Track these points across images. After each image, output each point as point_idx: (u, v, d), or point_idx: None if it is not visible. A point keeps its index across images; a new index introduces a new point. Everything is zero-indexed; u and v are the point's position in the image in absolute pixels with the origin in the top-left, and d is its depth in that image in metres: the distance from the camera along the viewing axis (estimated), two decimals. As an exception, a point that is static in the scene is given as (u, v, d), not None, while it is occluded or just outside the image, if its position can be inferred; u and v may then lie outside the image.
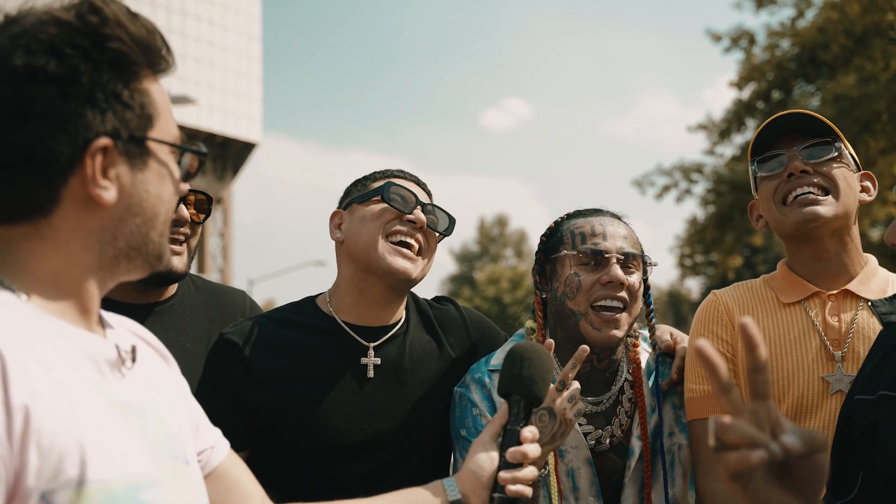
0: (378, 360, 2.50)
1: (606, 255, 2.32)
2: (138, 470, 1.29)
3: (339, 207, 2.63)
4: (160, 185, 1.40)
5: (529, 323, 2.62)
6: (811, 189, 2.38)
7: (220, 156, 40.04)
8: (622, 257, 2.34)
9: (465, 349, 2.69)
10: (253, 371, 2.41)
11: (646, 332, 2.62)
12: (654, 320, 2.49)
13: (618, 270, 2.31)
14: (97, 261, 1.36)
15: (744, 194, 24.02)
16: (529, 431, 1.93)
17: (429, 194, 2.66)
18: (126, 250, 1.37)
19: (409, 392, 2.50)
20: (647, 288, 2.46)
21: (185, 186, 1.48)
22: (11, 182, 1.29)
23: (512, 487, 1.86)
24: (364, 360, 2.49)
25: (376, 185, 2.55)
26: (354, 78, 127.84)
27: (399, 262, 2.43)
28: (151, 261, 1.43)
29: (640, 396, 2.42)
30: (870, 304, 2.16)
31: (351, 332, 2.51)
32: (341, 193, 2.71)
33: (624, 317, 2.35)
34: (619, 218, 2.48)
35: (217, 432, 1.70)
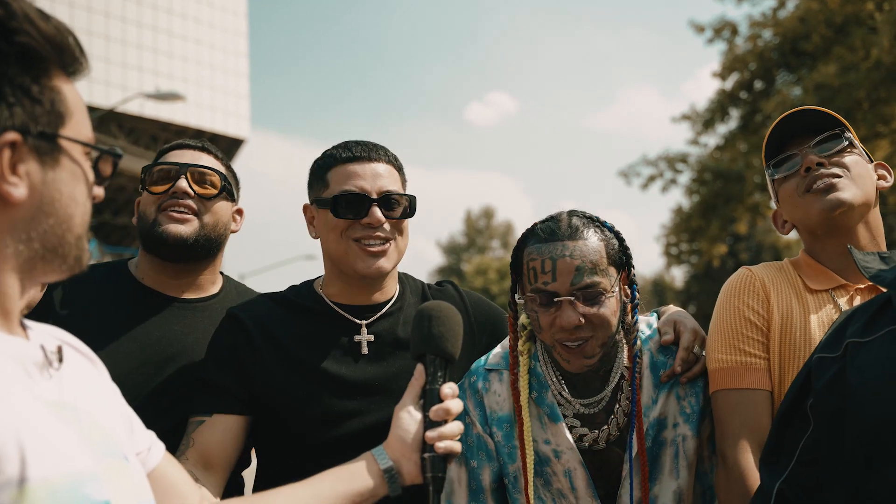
0: (371, 337, 2.52)
1: (556, 300, 2.20)
2: (79, 465, 1.26)
3: (309, 198, 2.62)
4: (73, 186, 1.34)
5: (523, 319, 2.51)
6: (828, 178, 2.35)
7: (209, 152, 39.99)
8: (571, 298, 2.19)
9: (464, 325, 2.63)
10: (255, 343, 2.44)
11: (650, 319, 2.56)
12: (637, 316, 2.38)
13: (568, 316, 2.17)
14: (13, 262, 1.30)
15: (728, 183, 24.21)
16: (448, 388, 1.92)
17: (385, 159, 2.55)
18: (42, 252, 1.32)
19: (403, 364, 2.48)
20: (631, 282, 2.37)
21: (100, 191, 1.41)
22: None
23: (441, 444, 1.85)
24: (357, 338, 2.50)
25: (328, 189, 2.49)
26: (340, 74, 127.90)
27: (369, 264, 2.43)
28: (70, 262, 1.37)
29: (634, 394, 2.35)
30: (850, 250, 2.13)
31: (343, 313, 2.53)
32: None
33: (591, 345, 2.23)
34: (577, 231, 2.26)
35: (151, 435, 1.66)
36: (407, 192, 2.57)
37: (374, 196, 2.44)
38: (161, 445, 1.67)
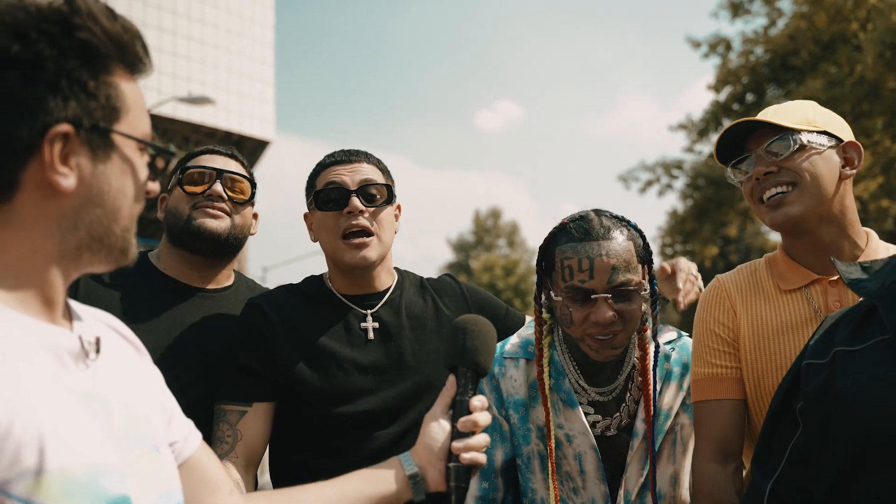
0: (376, 325, 2.55)
1: (593, 297, 2.17)
2: (99, 458, 1.21)
3: (307, 206, 2.69)
4: (122, 179, 1.31)
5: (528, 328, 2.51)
6: (778, 189, 2.22)
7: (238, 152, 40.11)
8: (609, 295, 2.17)
9: (462, 312, 2.65)
10: (276, 328, 2.47)
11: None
12: (657, 308, 2.36)
13: (604, 313, 2.16)
14: (59, 250, 1.27)
15: (720, 189, 24.21)
16: (478, 400, 1.88)
17: (364, 159, 2.60)
18: (88, 241, 1.29)
19: (407, 347, 2.53)
20: (651, 276, 2.31)
21: (155, 186, 1.38)
22: None
23: (466, 455, 1.80)
24: (364, 325, 2.54)
25: (313, 194, 2.58)
26: (359, 82, 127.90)
27: (356, 256, 2.47)
28: (115, 254, 1.34)
29: (645, 384, 2.32)
30: (834, 262, 2.01)
31: (349, 303, 2.57)
32: None
33: (620, 338, 2.22)
34: (610, 232, 2.23)
35: (189, 424, 1.62)
36: (387, 183, 2.60)
37: (353, 188, 2.49)
38: (198, 435, 1.63)
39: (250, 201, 2.78)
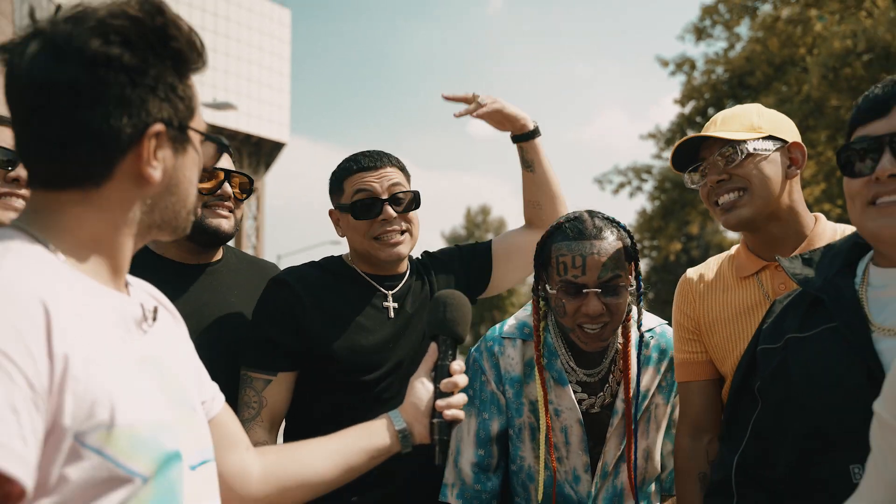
0: (396, 305, 2.50)
1: (585, 291, 2.13)
2: (158, 416, 1.20)
3: (332, 203, 2.58)
4: (192, 170, 1.32)
5: (524, 312, 2.49)
6: (729, 195, 2.18)
7: (255, 153, 39.91)
8: (599, 290, 2.13)
9: (448, 283, 2.64)
10: (304, 303, 2.38)
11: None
12: (642, 302, 2.31)
13: (594, 306, 2.13)
14: (135, 228, 1.28)
15: (684, 191, 23.96)
16: (457, 364, 1.90)
17: (392, 163, 2.50)
18: (159, 222, 1.30)
19: (415, 328, 2.49)
20: (637, 275, 2.29)
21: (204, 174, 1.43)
22: (74, 155, 1.20)
23: (448, 412, 1.83)
24: (385, 304, 2.48)
25: (345, 196, 2.47)
26: (364, 91, 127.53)
27: (390, 253, 2.42)
28: (178, 231, 1.35)
29: (626, 368, 2.30)
30: (778, 260, 1.98)
31: (373, 282, 2.50)
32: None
33: (607, 330, 2.20)
34: (602, 232, 2.20)
35: (214, 386, 1.59)
36: (412, 189, 2.50)
37: (385, 196, 2.40)
38: (222, 396, 1.60)
39: (247, 198, 2.69)
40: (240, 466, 1.57)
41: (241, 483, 1.57)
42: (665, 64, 23.90)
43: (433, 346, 1.92)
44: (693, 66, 23.53)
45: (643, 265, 30.27)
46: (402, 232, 2.43)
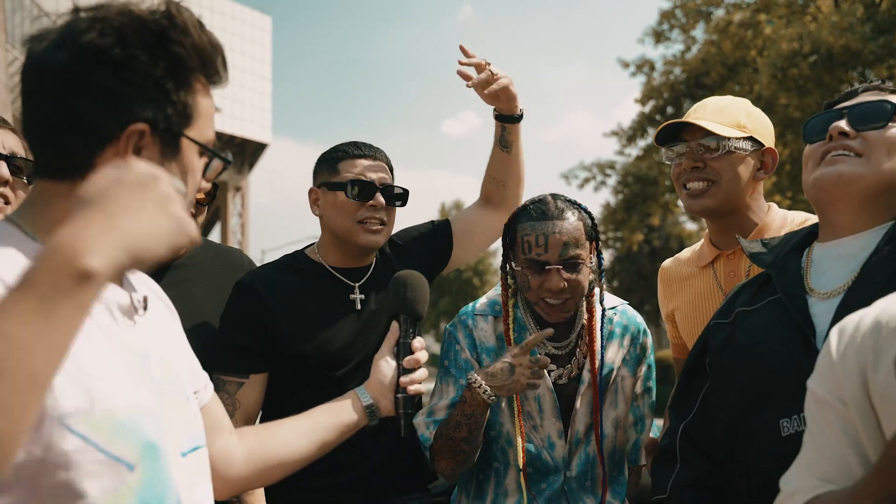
0: (362, 296, 2.42)
1: (547, 268, 2.15)
2: (140, 402, 1.16)
3: (313, 184, 2.49)
4: (181, 177, 1.23)
5: (495, 291, 2.47)
6: (698, 183, 2.18)
7: (240, 153, 39.61)
8: (560, 266, 2.14)
9: (411, 266, 2.40)
10: (272, 308, 2.32)
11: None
12: (602, 277, 2.32)
13: (556, 281, 2.14)
14: None
15: (645, 186, 24.20)
16: (418, 342, 1.89)
17: (383, 159, 2.47)
18: None
19: (382, 320, 2.40)
20: (598, 253, 2.30)
21: (206, 185, 1.34)
22: (60, 142, 1.17)
23: (411, 387, 1.84)
24: (353, 297, 2.40)
25: (339, 176, 2.39)
26: (343, 93, 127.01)
27: (370, 239, 2.37)
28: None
29: (591, 341, 2.30)
30: (738, 239, 1.96)
31: (339, 276, 2.43)
32: None
33: (570, 304, 2.21)
34: (563, 213, 2.20)
35: (205, 376, 1.56)
36: (402, 188, 2.47)
37: (379, 185, 2.37)
38: (211, 385, 1.58)
39: (213, 198, 2.56)
40: (224, 450, 1.56)
41: (225, 465, 1.56)
42: (626, 65, 23.97)
43: (394, 325, 1.91)
44: (652, 68, 23.61)
45: (607, 255, 30.49)
46: (382, 223, 2.39)
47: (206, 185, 1.33)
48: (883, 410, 1.12)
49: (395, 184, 2.45)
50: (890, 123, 1.58)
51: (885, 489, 1.02)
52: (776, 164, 2.26)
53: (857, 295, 1.47)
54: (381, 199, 2.36)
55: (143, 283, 1.40)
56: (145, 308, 1.28)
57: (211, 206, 2.58)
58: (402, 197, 2.46)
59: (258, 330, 2.32)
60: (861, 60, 17.23)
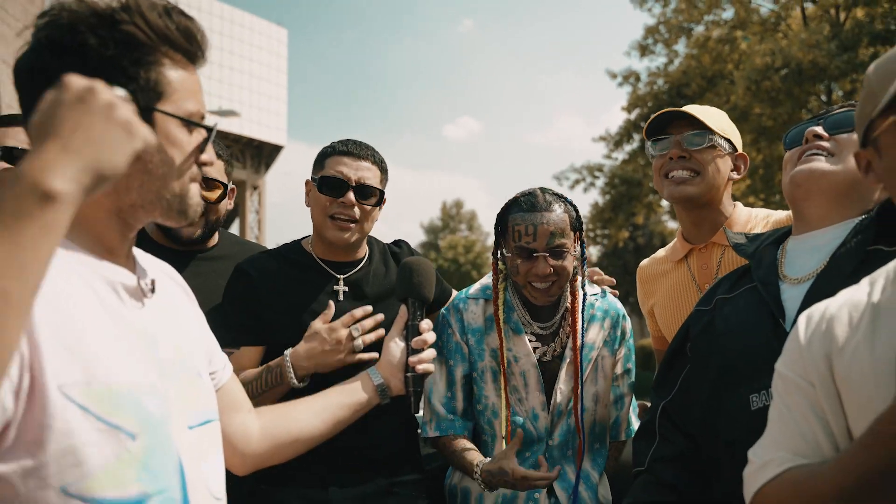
0: (346, 288, 2.31)
1: (535, 255, 2.16)
2: (141, 378, 1.11)
3: (311, 175, 2.38)
4: (167, 150, 1.16)
5: (487, 278, 2.45)
6: (683, 172, 2.17)
7: (256, 155, 39.63)
8: (547, 254, 2.15)
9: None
10: (260, 293, 2.24)
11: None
12: (585, 265, 2.31)
13: (543, 267, 2.15)
14: (116, 207, 1.16)
15: (631, 187, 24.19)
16: (426, 323, 1.86)
17: (371, 159, 2.32)
18: (140, 202, 1.17)
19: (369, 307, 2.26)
20: (582, 243, 2.28)
21: (208, 157, 1.23)
22: None
23: (420, 367, 1.82)
24: (336, 288, 2.30)
25: (324, 171, 2.28)
26: (353, 100, 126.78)
27: (336, 235, 2.24)
28: (172, 213, 1.20)
29: (573, 322, 2.30)
30: (724, 230, 1.95)
31: (326, 268, 2.32)
32: None
33: (554, 288, 2.20)
34: (551, 205, 2.20)
35: (224, 357, 1.52)
36: (381, 188, 2.31)
37: (353, 184, 2.23)
38: (230, 366, 1.54)
39: (224, 198, 2.51)
40: (242, 427, 1.53)
41: (244, 442, 1.53)
42: (614, 76, 23.97)
43: (403, 308, 1.89)
44: (638, 79, 23.60)
45: (595, 252, 30.50)
46: (354, 221, 2.26)
47: (210, 158, 1.23)
48: (845, 391, 1.13)
49: (376, 185, 2.29)
50: None
51: (867, 463, 1.00)
52: (747, 168, 2.28)
53: (825, 282, 1.47)
54: (351, 196, 2.22)
55: (158, 269, 1.35)
56: (153, 291, 1.23)
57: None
58: (376, 196, 2.29)
59: (247, 309, 2.25)
60: (827, 75, 17.27)
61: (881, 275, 1.21)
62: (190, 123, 1.18)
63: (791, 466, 1.14)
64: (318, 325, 2.13)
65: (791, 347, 1.24)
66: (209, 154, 1.23)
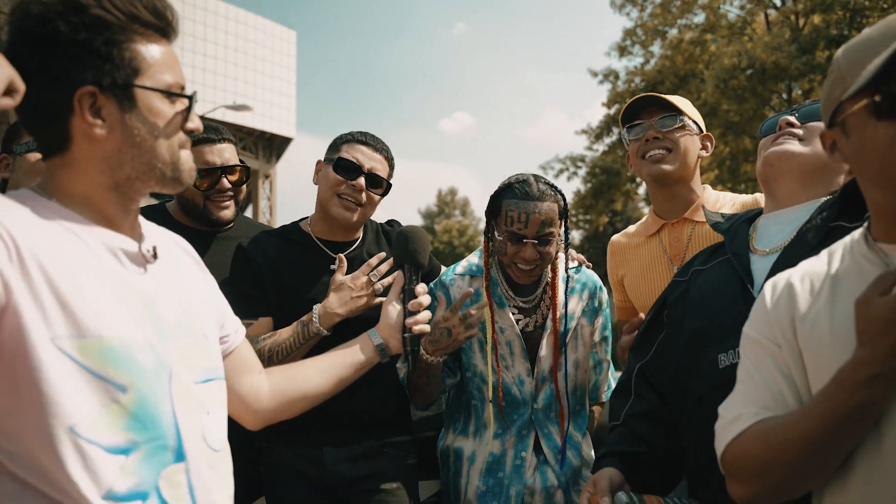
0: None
1: (524, 241, 2.12)
2: (136, 336, 1.08)
3: (323, 157, 2.34)
4: (151, 122, 1.13)
5: (475, 256, 2.42)
6: (659, 150, 2.15)
7: (268, 147, 39.48)
8: (536, 241, 2.12)
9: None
10: (262, 269, 2.21)
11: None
12: (568, 247, 2.29)
13: (530, 252, 2.12)
14: (113, 182, 1.13)
15: (610, 176, 24.18)
16: (421, 287, 1.84)
17: (384, 154, 2.29)
18: (135, 173, 1.14)
19: None
20: (566, 228, 2.24)
21: (193, 125, 1.19)
22: (32, 124, 1.12)
23: (416, 327, 1.79)
24: (333, 267, 2.22)
25: (338, 153, 2.24)
26: (357, 96, 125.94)
27: (341, 213, 2.20)
28: (167, 181, 1.17)
29: (553, 296, 2.28)
30: (703, 208, 1.93)
31: (323, 247, 2.28)
32: None
33: (537, 270, 2.17)
34: (543, 195, 2.14)
35: (237, 321, 1.48)
36: (388, 180, 2.29)
37: (365, 171, 2.21)
38: (243, 330, 1.51)
39: (246, 178, 2.48)
40: (254, 386, 1.51)
41: (254, 399, 1.51)
42: (595, 75, 23.84)
43: (399, 274, 1.86)
44: (617, 77, 23.49)
45: (577, 235, 30.48)
46: (360, 204, 2.22)
47: (196, 126, 1.20)
48: (807, 353, 1.14)
49: (385, 176, 2.27)
50: None
51: (828, 411, 1.03)
52: (713, 147, 2.28)
53: (791, 253, 1.47)
54: (361, 181, 2.19)
55: (169, 240, 1.33)
56: (155, 257, 1.20)
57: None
58: (383, 186, 2.27)
59: (252, 282, 2.22)
60: (788, 75, 17.33)
61: (839, 247, 1.22)
62: (170, 94, 1.15)
63: (760, 419, 1.14)
64: (339, 277, 2.11)
65: (758, 312, 1.24)
66: (194, 122, 1.20)
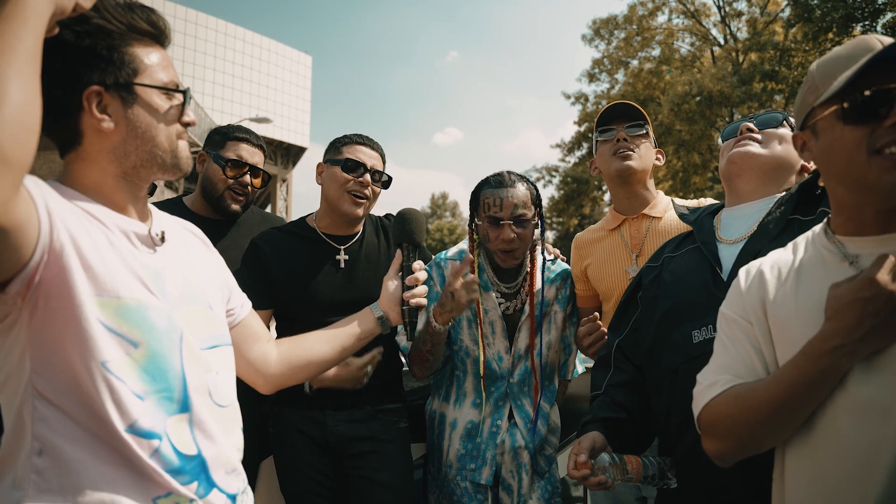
0: (346, 257, 2.22)
1: (501, 223, 2.09)
2: (145, 298, 1.08)
3: (322, 160, 2.27)
4: (151, 116, 1.12)
5: (463, 244, 2.35)
6: (627, 151, 2.16)
7: (285, 155, 39.33)
8: (512, 221, 2.08)
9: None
10: (271, 263, 2.17)
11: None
12: (544, 236, 2.25)
13: (507, 233, 2.08)
14: (121, 171, 1.13)
15: (580, 185, 24.40)
16: (418, 264, 1.77)
17: (379, 152, 2.25)
18: (139, 162, 1.13)
19: (364, 274, 2.22)
20: (541, 217, 2.20)
21: (189, 118, 1.18)
22: (46, 123, 1.05)
23: (413, 301, 1.73)
24: (338, 257, 2.21)
25: (341, 155, 2.19)
26: (363, 113, 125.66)
27: (352, 209, 2.16)
28: (168, 168, 1.16)
29: (532, 283, 2.25)
30: (673, 201, 1.91)
31: (328, 240, 2.23)
32: None
33: (518, 252, 2.13)
34: (515, 183, 2.12)
35: (243, 296, 1.45)
36: (387, 174, 2.25)
37: (368, 167, 2.17)
38: (249, 304, 1.47)
39: (266, 182, 2.45)
40: (262, 354, 1.47)
41: (263, 365, 1.47)
42: (568, 97, 24.26)
43: (399, 252, 1.81)
44: (587, 100, 23.83)
45: (551, 235, 30.34)
46: (366, 198, 2.18)
47: (191, 119, 1.17)
48: (775, 331, 1.15)
49: (382, 171, 2.24)
50: (780, 126, 1.64)
51: (796, 377, 1.05)
52: (665, 159, 2.30)
53: (755, 242, 1.47)
54: (367, 177, 2.16)
55: (178, 225, 1.31)
56: (163, 239, 1.19)
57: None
58: (386, 181, 2.24)
59: (260, 276, 2.16)
60: (730, 102, 17.61)
61: (802, 240, 1.23)
62: (166, 90, 1.15)
63: (733, 384, 1.15)
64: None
65: (733, 294, 1.24)
66: (189, 116, 1.19)
